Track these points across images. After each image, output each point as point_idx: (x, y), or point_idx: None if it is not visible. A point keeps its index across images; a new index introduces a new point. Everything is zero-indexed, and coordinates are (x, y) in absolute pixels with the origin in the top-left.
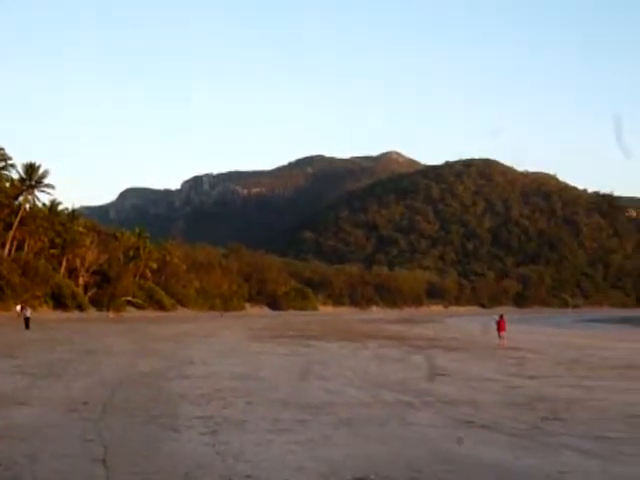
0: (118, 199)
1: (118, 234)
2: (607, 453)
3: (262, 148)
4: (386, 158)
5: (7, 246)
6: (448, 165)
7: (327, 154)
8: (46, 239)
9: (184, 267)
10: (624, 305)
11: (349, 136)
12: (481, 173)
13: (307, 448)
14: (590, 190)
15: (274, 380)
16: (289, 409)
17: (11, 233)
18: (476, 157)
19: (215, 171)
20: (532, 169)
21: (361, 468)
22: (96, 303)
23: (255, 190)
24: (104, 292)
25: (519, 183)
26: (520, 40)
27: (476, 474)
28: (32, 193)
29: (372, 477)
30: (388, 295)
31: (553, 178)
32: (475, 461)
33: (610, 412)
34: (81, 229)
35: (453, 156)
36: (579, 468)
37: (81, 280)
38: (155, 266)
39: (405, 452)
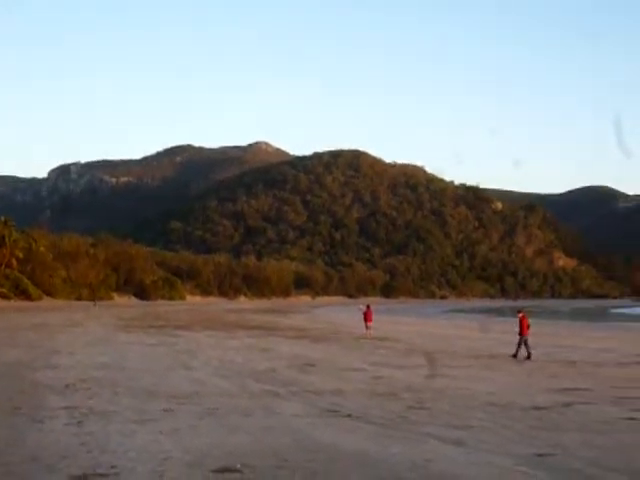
0: None
1: None
2: (470, 441)
3: (130, 137)
4: (255, 148)
5: None
6: (317, 156)
7: (196, 143)
8: None
9: (50, 256)
10: (489, 296)
11: (218, 126)
12: (350, 164)
13: (173, 438)
14: (457, 182)
15: (141, 370)
16: (155, 399)
17: None
18: (345, 148)
19: (83, 160)
20: (400, 161)
21: (227, 457)
22: None
23: (123, 179)
24: None
25: (387, 174)
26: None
27: (341, 463)
28: None
29: (238, 466)
30: (256, 285)
31: (421, 170)
32: (340, 450)
33: (474, 401)
34: None
35: (322, 147)
36: (444, 456)
37: None
38: (21, 255)
39: (271, 442)
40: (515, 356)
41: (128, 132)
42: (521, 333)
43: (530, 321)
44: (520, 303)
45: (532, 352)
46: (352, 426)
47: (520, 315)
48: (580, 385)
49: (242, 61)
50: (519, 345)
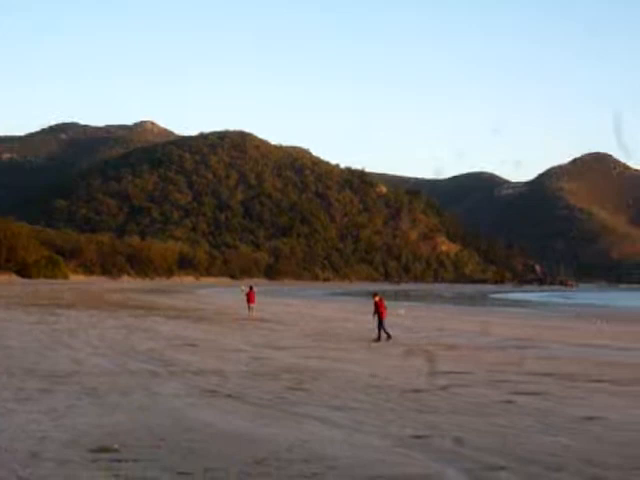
0: None
1: None
2: (349, 423)
3: (14, 112)
4: (141, 128)
5: None
6: (202, 136)
7: (82, 121)
8: None
9: None
10: (372, 279)
11: (104, 104)
12: (235, 145)
13: (51, 417)
14: (342, 165)
15: (19, 348)
16: (34, 378)
17: None
18: (231, 129)
19: None
20: (286, 143)
21: (105, 437)
22: None
23: (6, 156)
24: None
25: (273, 156)
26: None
27: (219, 442)
28: None
29: (116, 446)
30: (140, 265)
31: (306, 152)
32: (219, 430)
33: (354, 383)
34: None
35: (208, 128)
36: (322, 437)
37: None
38: None
39: (149, 421)
40: (379, 339)
41: (11, 108)
42: (380, 316)
43: (386, 303)
44: (403, 287)
45: (392, 334)
46: (231, 406)
47: (377, 299)
48: (459, 368)
49: (128, 40)
50: (379, 328)
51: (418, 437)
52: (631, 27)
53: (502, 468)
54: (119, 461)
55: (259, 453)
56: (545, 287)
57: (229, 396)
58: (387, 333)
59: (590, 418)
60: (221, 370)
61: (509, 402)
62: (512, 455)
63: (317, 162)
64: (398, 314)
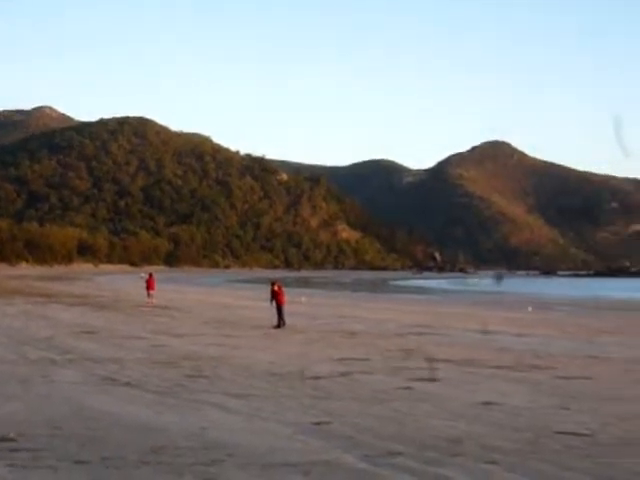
0: None
1: None
2: (248, 410)
3: None
4: (39, 113)
5: None
6: (102, 122)
7: None
8: None
9: None
10: (273, 266)
11: (1, 88)
12: (135, 132)
13: None
14: (243, 152)
15: None
16: None
17: None
18: (131, 115)
19: None
20: (187, 130)
21: (1, 426)
22: None
23: None
24: None
25: (173, 143)
26: None
27: (117, 431)
28: None
29: (12, 435)
30: (38, 252)
31: (207, 139)
32: (117, 418)
33: (253, 370)
34: None
35: (108, 114)
36: (221, 424)
37: None
38: None
39: (47, 410)
40: (279, 326)
41: None
42: (279, 303)
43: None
44: (303, 274)
45: (288, 322)
46: (130, 394)
47: (275, 287)
48: (359, 355)
49: (23, 21)
50: (279, 315)
51: (317, 424)
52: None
53: (400, 454)
54: (16, 450)
55: (157, 441)
56: (445, 274)
57: (128, 384)
58: (283, 320)
59: (488, 403)
60: (120, 358)
61: (408, 388)
62: (410, 441)
63: (218, 149)
64: (300, 302)
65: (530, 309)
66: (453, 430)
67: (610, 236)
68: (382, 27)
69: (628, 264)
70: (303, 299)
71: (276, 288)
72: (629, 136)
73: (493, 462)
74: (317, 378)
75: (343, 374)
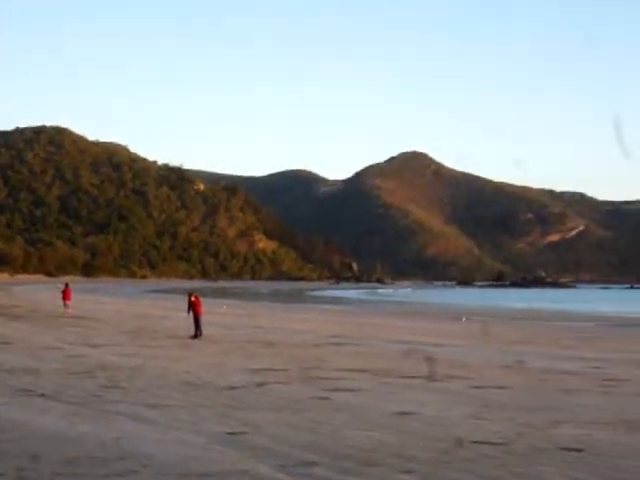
0: None
1: None
2: (163, 420)
3: None
4: None
5: None
6: (18, 131)
7: None
8: None
9: None
10: (190, 276)
11: None
12: (52, 140)
13: None
14: (160, 162)
15: None
16: None
17: None
18: (47, 124)
19: None
20: (104, 139)
21: None
22: None
23: None
24: None
25: (90, 152)
26: None
27: (32, 442)
28: None
29: None
30: None
31: (124, 149)
32: (32, 429)
33: (169, 380)
34: None
35: (24, 122)
36: (136, 434)
37: None
38: None
39: None
40: (196, 336)
41: None
42: (196, 313)
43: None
44: (220, 284)
45: (205, 332)
46: (45, 405)
47: (193, 297)
48: (276, 365)
49: None
50: (196, 325)
51: (233, 434)
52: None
53: (316, 464)
54: None
55: (72, 452)
56: (361, 284)
57: (43, 395)
58: (200, 330)
59: (404, 413)
60: (35, 368)
61: (324, 398)
62: (326, 451)
63: (135, 158)
64: (218, 312)
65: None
66: (369, 440)
67: (526, 247)
68: (297, 35)
69: (544, 274)
70: (223, 308)
71: (193, 299)
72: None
73: (408, 472)
74: (233, 388)
75: (259, 384)
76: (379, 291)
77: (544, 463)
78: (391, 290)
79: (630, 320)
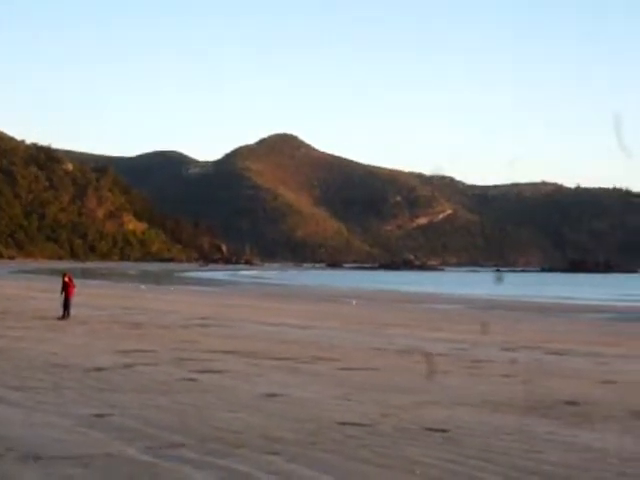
0: None
1: None
2: (28, 402)
3: None
4: None
5: None
6: None
7: None
8: None
9: None
10: (59, 257)
11: None
12: None
13: None
14: (28, 141)
15: None
16: None
17: None
18: None
19: None
20: None
21: None
22: None
23: None
24: None
25: None
26: None
27: None
28: None
29: None
30: None
31: None
32: None
33: (35, 361)
34: None
35: None
36: (0, 417)
37: None
38: None
39: None
40: (64, 317)
41: None
42: (67, 295)
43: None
44: (89, 265)
45: (73, 313)
46: None
47: (66, 278)
48: (143, 347)
49: None
50: (65, 307)
51: (100, 416)
52: None
53: (183, 445)
54: None
55: None
56: (231, 266)
57: None
58: (68, 311)
59: (272, 395)
60: None
61: (192, 380)
62: (193, 432)
63: (2, 137)
64: (87, 293)
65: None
66: (236, 421)
67: (395, 229)
68: (163, 12)
69: (412, 257)
70: (94, 290)
71: (67, 279)
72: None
73: (275, 453)
74: (100, 370)
75: (126, 366)
76: (246, 273)
77: (409, 443)
78: (256, 272)
79: (496, 303)
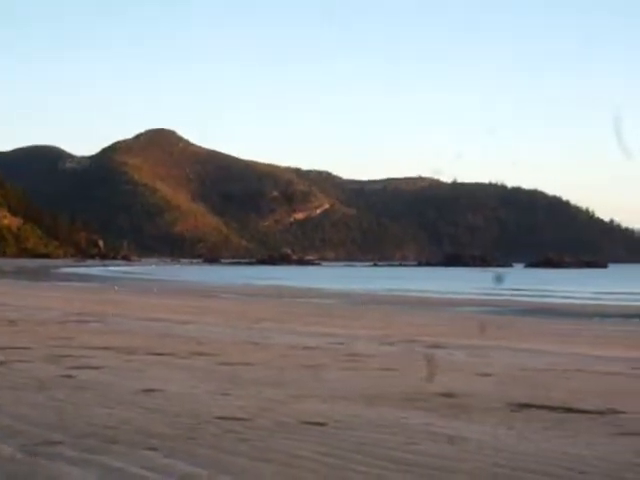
0: None
1: None
2: None
3: None
4: None
5: None
6: None
7: None
8: None
9: None
10: None
11: None
12: None
13: None
14: None
15: None
16: None
17: None
18: None
19: None
20: None
21: None
22: None
23: None
24: None
25: None
26: None
27: None
28: None
29: None
30: None
31: None
32: None
33: None
34: None
35: None
36: None
37: None
38: None
39: None
40: None
41: None
42: None
43: None
44: None
45: None
46: None
47: None
48: (18, 344)
49: None
50: None
51: None
52: None
53: (59, 443)
54: None
55: None
56: (108, 262)
57: None
58: None
59: (149, 390)
60: None
61: (68, 377)
62: (69, 429)
63: None
64: None
65: (116, 288)
66: (113, 418)
67: (273, 224)
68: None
69: (290, 252)
70: None
71: None
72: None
73: (152, 448)
74: None
75: (1, 363)
76: (123, 268)
77: (286, 437)
78: (133, 267)
79: (374, 297)
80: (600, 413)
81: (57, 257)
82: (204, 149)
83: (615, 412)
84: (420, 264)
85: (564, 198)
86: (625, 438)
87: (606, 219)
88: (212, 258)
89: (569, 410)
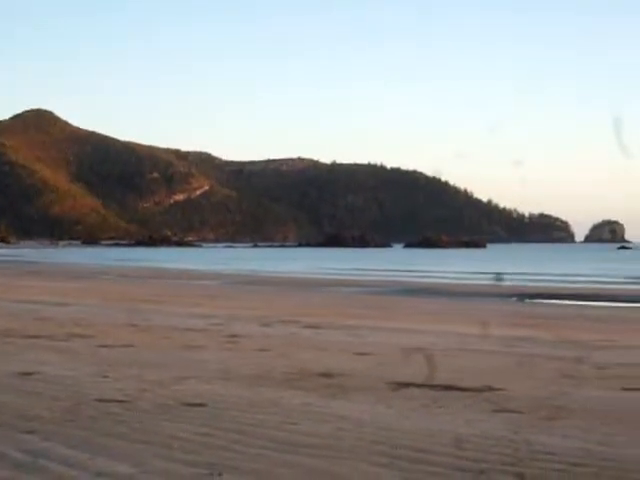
0: None
1: None
2: None
3: None
4: None
5: None
6: None
7: None
8: None
9: None
10: None
11: None
12: None
13: None
14: None
15: None
16: None
17: None
18: None
19: None
20: None
21: None
22: None
23: None
24: None
25: None
26: None
27: None
28: None
29: None
30: None
31: None
32: None
33: None
34: None
35: None
36: None
37: None
38: None
39: None
40: None
41: None
42: None
43: None
44: None
45: None
46: None
47: None
48: None
49: None
50: None
51: None
52: None
53: None
54: None
55: None
56: None
57: None
58: None
59: (26, 374)
60: None
61: None
62: None
63: None
64: None
65: None
66: None
67: (152, 206)
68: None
69: (170, 234)
70: None
71: None
72: None
73: (31, 432)
74: None
75: None
76: (9, 251)
77: (166, 419)
78: (3, 250)
79: (252, 278)
80: (478, 391)
81: None
82: (83, 130)
83: (492, 389)
84: (300, 245)
85: (443, 179)
86: (502, 415)
87: (484, 199)
88: (91, 240)
89: (448, 388)
